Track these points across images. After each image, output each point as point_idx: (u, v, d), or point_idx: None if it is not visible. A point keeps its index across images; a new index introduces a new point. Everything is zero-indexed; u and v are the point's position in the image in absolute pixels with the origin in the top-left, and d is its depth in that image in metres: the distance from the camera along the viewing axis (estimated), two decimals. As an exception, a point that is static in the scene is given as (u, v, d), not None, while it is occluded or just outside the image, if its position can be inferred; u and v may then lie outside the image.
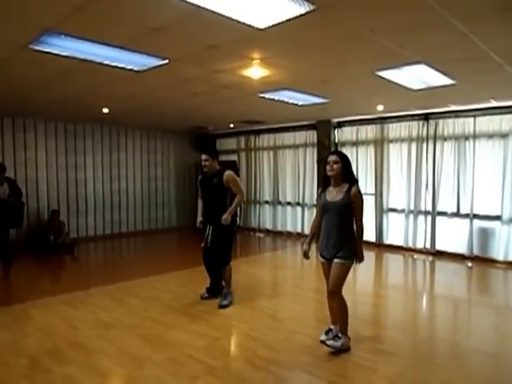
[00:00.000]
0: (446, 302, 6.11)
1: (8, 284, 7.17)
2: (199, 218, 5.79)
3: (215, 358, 4.02)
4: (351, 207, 4.02)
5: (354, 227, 4.13)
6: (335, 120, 10.42)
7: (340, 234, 4.05)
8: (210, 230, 5.59)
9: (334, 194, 4.11)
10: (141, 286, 6.55)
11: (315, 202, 10.67)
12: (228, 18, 3.65)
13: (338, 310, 4.17)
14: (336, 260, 4.04)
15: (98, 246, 10.66)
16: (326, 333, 4.21)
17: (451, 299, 6.19)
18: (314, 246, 4.39)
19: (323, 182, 4.26)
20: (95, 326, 4.87)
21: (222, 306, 5.47)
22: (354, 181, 4.11)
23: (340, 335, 4.14)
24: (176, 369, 3.81)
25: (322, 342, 4.15)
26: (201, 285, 6.53)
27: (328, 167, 4.09)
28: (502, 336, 4.79)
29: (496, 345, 4.58)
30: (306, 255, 4.36)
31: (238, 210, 5.51)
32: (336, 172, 4.05)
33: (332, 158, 4.10)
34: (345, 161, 4.10)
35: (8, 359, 4.02)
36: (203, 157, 5.53)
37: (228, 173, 5.53)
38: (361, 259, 4.13)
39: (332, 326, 4.25)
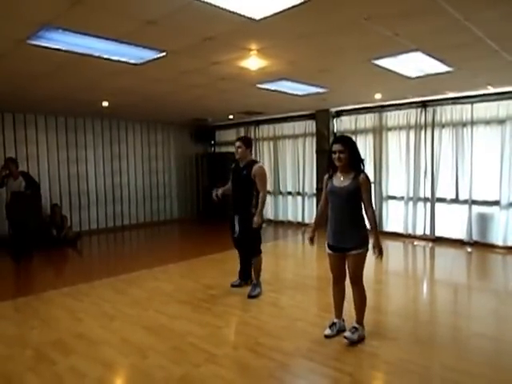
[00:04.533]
0: (446, 288, 6.17)
1: (12, 278, 7.23)
2: (219, 191, 5.85)
3: (217, 346, 4.09)
4: (359, 193, 3.93)
5: (363, 214, 4.04)
6: (334, 109, 10.43)
7: (349, 222, 3.98)
8: (237, 220, 5.63)
9: (341, 180, 4.00)
10: (143, 277, 6.61)
11: (315, 191, 10.74)
12: (224, 9, 3.67)
13: (359, 299, 4.13)
14: (351, 252, 3.98)
15: (100, 239, 10.74)
16: (330, 327, 4.23)
17: (451, 284, 6.26)
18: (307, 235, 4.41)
19: (329, 169, 4.12)
20: (99, 317, 4.94)
21: (250, 297, 5.51)
22: (360, 167, 4.00)
23: (357, 326, 4.12)
24: (179, 357, 3.87)
25: (328, 336, 4.17)
26: (202, 275, 6.63)
27: (335, 157, 3.95)
28: (502, 319, 4.84)
29: (496, 328, 4.63)
30: (311, 240, 4.36)
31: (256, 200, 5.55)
32: (343, 162, 3.93)
33: (337, 147, 3.94)
34: (351, 147, 3.96)
35: (13, 351, 4.08)
36: (237, 143, 5.62)
37: (257, 166, 5.56)
38: (380, 252, 4.00)
39: (336, 320, 4.27)
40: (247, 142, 5.70)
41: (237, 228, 5.63)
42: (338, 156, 3.93)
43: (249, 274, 5.88)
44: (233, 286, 5.92)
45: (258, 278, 5.70)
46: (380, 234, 9.49)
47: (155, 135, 12.53)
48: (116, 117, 11.13)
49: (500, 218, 8.15)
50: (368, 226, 4.09)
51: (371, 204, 4.01)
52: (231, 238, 5.86)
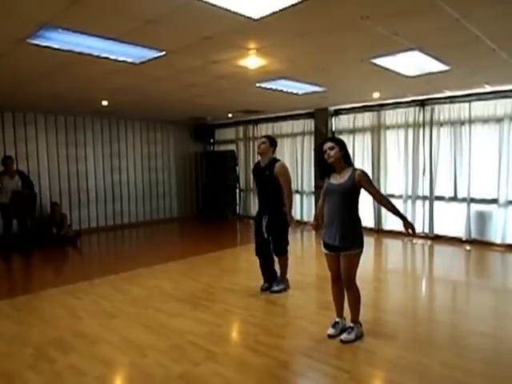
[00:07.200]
0: (444, 286, 6.20)
1: (12, 276, 7.25)
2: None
3: (216, 344, 4.10)
4: (356, 192, 3.96)
5: (359, 214, 4.06)
6: (332, 108, 10.45)
7: (344, 220, 3.96)
8: (266, 220, 5.54)
9: (338, 178, 4.02)
10: (143, 275, 6.62)
11: (313, 190, 10.77)
12: (223, 8, 3.68)
13: (353, 299, 4.13)
14: (345, 252, 3.98)
15: (100, 238, 10.75)
16: (333, 326, 4.23)
17: (450, 282, 6.29)
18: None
19: (323, 171, 4.14)
20: (98, 315, 4.95)
21: (273, 291, 5.57)
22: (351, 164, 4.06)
23: (352, 325, 4.13)
24: (178, 356, 3.88)
25: (331, 336, 4.15)
26: (202, 273, 6.64)
27: (326, 155, 3.98)
28: (501, 317, 4.86)
29: (494, 326, 4.63)
30: (315, 228, 4.43)
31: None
32: (335, 157, 3.95)
33: (327, 145, 4.01)
34: (341, 145, 4.02)
35: (13, 350, 4.09)
36: (262, 139, 5.56)
37: (279, 165, 5.42)
38: (412, 228, 4.13)
39: (338, 319, 4.27)
40: (272, 141, 5.59)
41: (264, 228, 5.54)
42: (329, 153, 3.97)
43: (274, 276, 5.80)
44: (263, 290, 5.74)
45: (285, 274, 5.71)
46: (379, 232, 9.52)
47: (155, 134, 12.54)
48: (115, 115, 11.13)
49: (498, 216, 8.19)
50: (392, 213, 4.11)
51: (379, 192, 4.12)
52: (255, 242, 5.76)
